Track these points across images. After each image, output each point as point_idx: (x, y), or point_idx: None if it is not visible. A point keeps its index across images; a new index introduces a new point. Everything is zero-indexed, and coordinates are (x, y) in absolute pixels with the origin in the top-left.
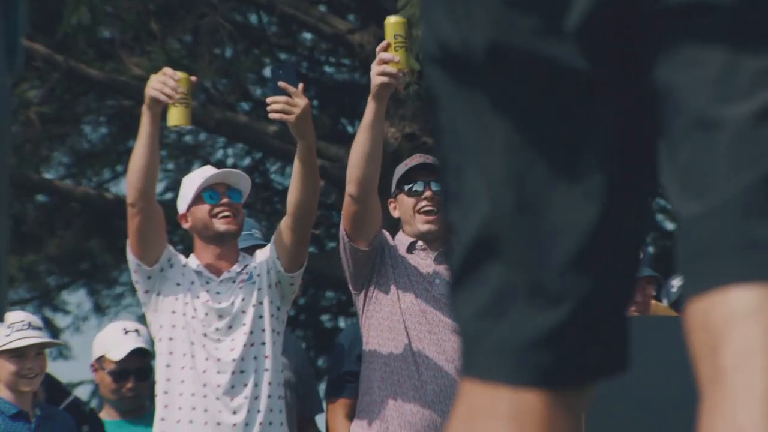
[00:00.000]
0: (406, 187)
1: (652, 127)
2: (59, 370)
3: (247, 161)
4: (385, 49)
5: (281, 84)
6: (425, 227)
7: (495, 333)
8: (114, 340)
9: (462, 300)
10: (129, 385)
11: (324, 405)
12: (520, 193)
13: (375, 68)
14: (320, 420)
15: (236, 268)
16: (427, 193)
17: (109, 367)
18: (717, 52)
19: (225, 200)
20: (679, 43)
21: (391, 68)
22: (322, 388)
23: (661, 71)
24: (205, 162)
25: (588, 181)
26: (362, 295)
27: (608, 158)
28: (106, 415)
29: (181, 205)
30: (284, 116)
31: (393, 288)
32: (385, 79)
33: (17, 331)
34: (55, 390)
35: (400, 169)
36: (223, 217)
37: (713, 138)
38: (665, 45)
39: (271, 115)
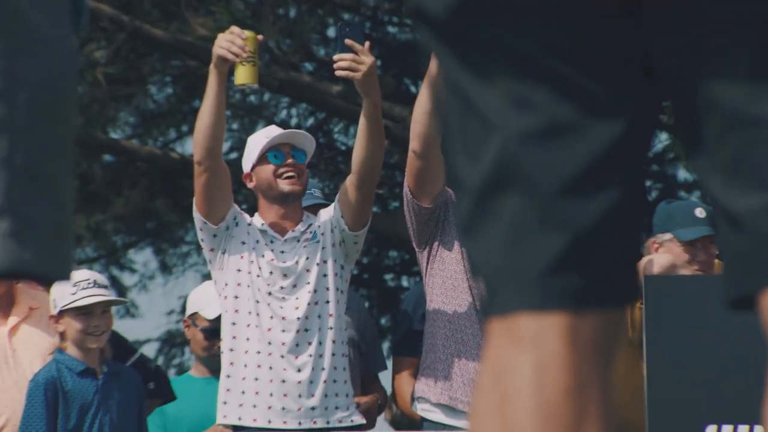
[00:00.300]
0: None
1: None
2: (126, 328)
3: (310, 121)
4: None
5: (348, 42)
6: None
7: (514, 264)
8: (208, 298)
9: (477, 243)
10: (220, 343)
11: (389, 363)
12: (526, 120)
13: None
14: (383, 377)
15: (300, 227)
16: None
17: (202, 324)
18: (741, 44)
19: (290, 161)
20: (695, 32)
21: None
22: (385, 346)
23: (677, 61)
24: (269, 122)
25: (593, 104)
26: (426, 252)
27: (611, 81)
28: (197, 372)
29: (246, 165)
30: (350, 74)
31: (457, 246)
32: None
33: (83, 289)
34: (121, 347)
35: None
36: (288, 177)
37: (759, 134)
38: (677, 30)
39: (338, 73)
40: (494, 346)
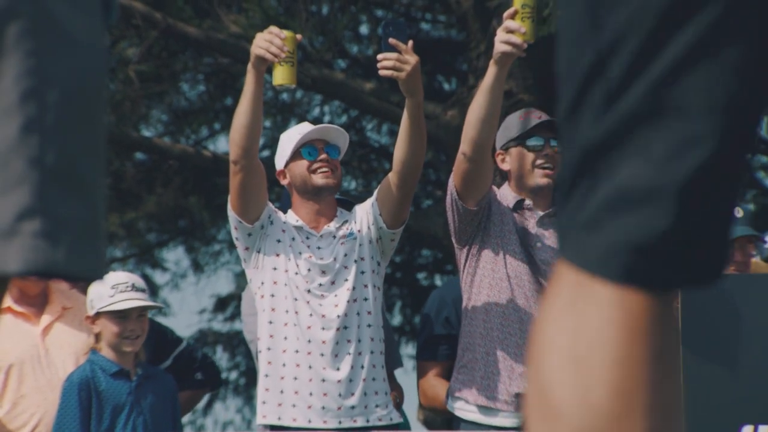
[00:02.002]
0: (527, 142)
1: None
2: None
3: (343, 119)
4: (512, 16)
5: (392, 41)
6: (543, 181)
7: (611, 229)
8: None
9: (578, 195)
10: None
11: (403, 361)
12: (652, 94)
13: (500, 35)
14: (399, 374)
15: (335, 223)
16: (548, 150)
17: None
18: None
19: (323, 156)
20: None
21: (516, 38)
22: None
23: None
24: (302, 120)
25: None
26: (465, 250)
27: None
28: None
29: (279, 162)
30: (395, 73)
31: (497, 245)
32: (508, 48)
33: (121, 292)
34: (166, 339)
35: (514, 122)
36: (321, 172)
37: None
38: None
39: (382, 72)
40: (570, 280)
